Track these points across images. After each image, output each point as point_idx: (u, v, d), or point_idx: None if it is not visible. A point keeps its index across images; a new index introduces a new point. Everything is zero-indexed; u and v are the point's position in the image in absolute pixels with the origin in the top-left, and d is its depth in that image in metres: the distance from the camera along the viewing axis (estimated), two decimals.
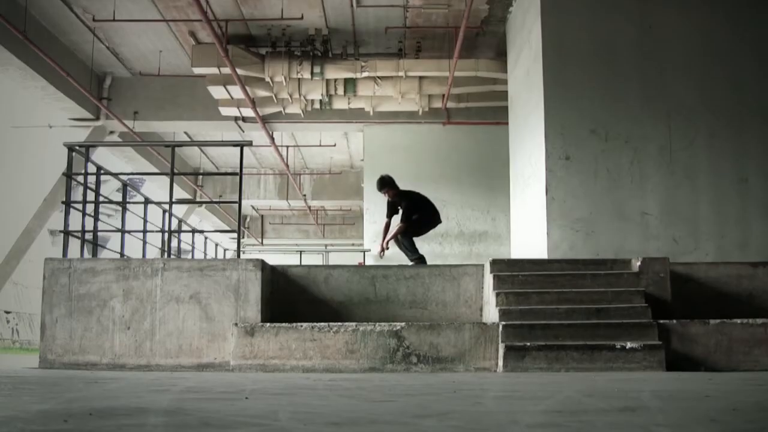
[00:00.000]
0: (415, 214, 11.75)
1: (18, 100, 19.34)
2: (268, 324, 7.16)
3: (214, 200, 28.32)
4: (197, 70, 16.88)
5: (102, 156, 24.64)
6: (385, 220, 12.18)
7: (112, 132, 19.95)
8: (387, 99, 17.57)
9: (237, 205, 9.11)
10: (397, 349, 6.98)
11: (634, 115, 10.95)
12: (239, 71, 16.15)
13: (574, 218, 10.71)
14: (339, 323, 7.24)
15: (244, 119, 19.41)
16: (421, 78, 17.01)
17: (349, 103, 17.81)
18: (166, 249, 11.70)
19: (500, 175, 15.71)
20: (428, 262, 12.48)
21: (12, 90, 18.18)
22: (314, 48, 16.36)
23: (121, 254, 10.26)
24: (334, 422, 2.08)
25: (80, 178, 9.69)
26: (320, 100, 17.77)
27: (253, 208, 33.77)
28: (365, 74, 16.38)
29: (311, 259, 35.15)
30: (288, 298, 8.13)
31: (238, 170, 9.27)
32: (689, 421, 2.11)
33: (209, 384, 4.09)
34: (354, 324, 7.22)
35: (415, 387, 3.84)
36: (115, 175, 11.13)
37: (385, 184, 12.01)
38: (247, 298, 7.44)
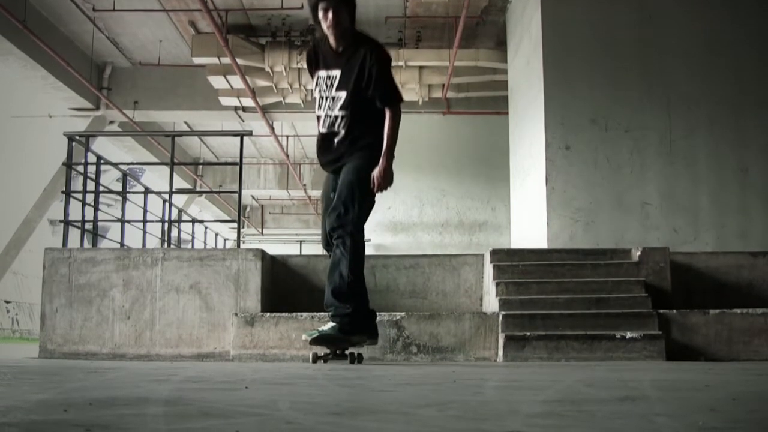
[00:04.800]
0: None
1: (18, 90, 19.35)
2: (268, 314, 7.17)
3: (214, 190, 28.34)
4: (197, 60, 16.88)
5: (102, 146, 24.65)
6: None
7: (112, 122, 19.97)
8: None
9: (237, 194, 9.10)
10: (397, 338, 6.98)
11: (634, 105, 10.94)
12: (239, 61, 16.14)
13: (574, 208, 10.71)
14: None
15: (244, 109, 19.41)
16: (421, 68, 17.00)
17: None
18: (166, 239, 11.70)
19: (500, 165, 15.70)
20: (428, 252, 12.28)
21: (12, 80, 18.19)
22: (314, 38, 16.35)
23: (121, 244, 10.26)
24: (335, 412, 2.08)
25: (80, 168, 9.69)
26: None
27: (253, 197, 33.79)
28: None
29: (311, 249, 35.21)
30: (288, 287, 8.13)
31: (238, 160, 9.26)
32: (689, 411, 2.11)
33: (209, 374, 4.09)
34: None
35: (415, 377, 3.84)
36: (115, 164, 11.13)
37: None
38: (247, 288, 7.44)
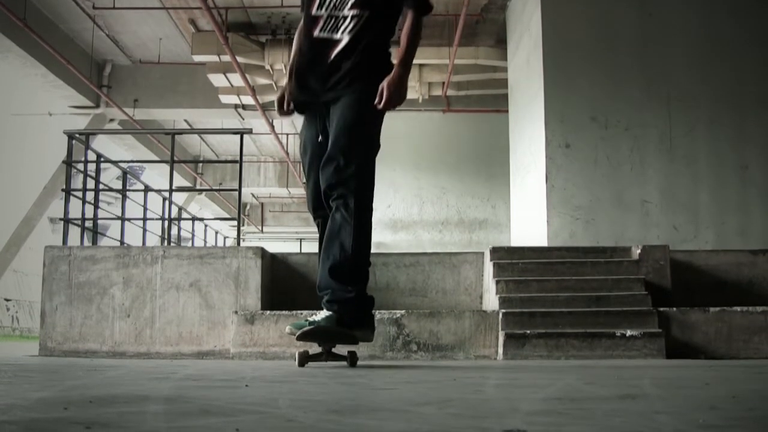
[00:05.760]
0: None
1: (18, 88, 19.38)
2: (268, 312, 7.17)
3: (214, 188, 28.34)
4: (197, 58, 16.88)
5: (102, 144, 24.68)
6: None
7: (112, 120, 19.97)
8: None
9: (237, 192, 9.11)
10: (397, 336, 6.98)
11: (634, 102, 10.94)
12: (239, 59, 16.14)
13: (574, 206, 10.70)
14: None
15: (244, 107, 19.41)
16: (420, 65, 16.98)
17: None
18: (166, 237, 11.71)
19: (500, 163, 15.69)
20: (428, 250, 12.21)
21: (12, 78, 18.20)
22: None
23: (121, 242, 10.27)
24: (335, 410, 2.08)
25: (80, 166, 9.69)
26: None
27: (253, 195, 33.78)
28: None
29: (311, 247, 35.20)
30: (288, 285, 8.14)
31: (238, 158, 9.26)
32: (689, 409, 2.11)
33: (209, 372, 4.09)
34: None
35: (415, 375, 3.84)
36: (115, 162, 11.13)
37: None
38: (247, 286, 7.44)
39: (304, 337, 4.40)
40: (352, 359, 4.61)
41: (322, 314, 4.46)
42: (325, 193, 4.49)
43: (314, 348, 4.66)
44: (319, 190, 4.55)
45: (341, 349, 4.69)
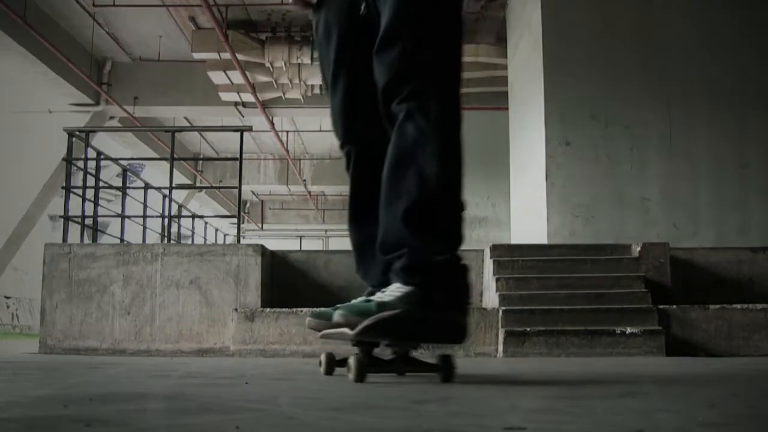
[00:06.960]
0: None
1: (18, 86, 19.34)
2: (267, 309, 7.17)
3: (214, 185, 28.33)
4: (197, 56, 16.89)
5: (102, 141, 24.65)
6: None
7: (112, 117, 19.98)
8: None
9: (237, 190, 9.10)
10: None
11: (634, 101, 10.93)
12: (239, 56, 16.14)
13: (574, 204, 10.70)
14: None
15: (244, 104, 19.43)
16: None
17: None
18: (166, 234, 11.70)
19: (500, 161, 15.67)
20: None
21: (12, 75, 18.17)
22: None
23: (121, 239, 10.27)
24: (335, 407, 2.08)
25: (80, 164, 9.68)
26: (320, 86, 17.75)
27: (253, 193, 33.78)
28: None
29: (311, 244, 35.22)
30: (288, 283, 8.13)
31: (238, 155, 9.26)
32: (689, 407, 2.11)
33: (209, 369, 4.09)
34: None
35: (415, 372, 3.83)
36: (115, 160, 11.14)
37: None
38: (247, 284, 7.43)
39: (372, 330, 2.52)
40: (447, 369, 2.76)
41: (393, 291, 2.62)
42: (386, 93, 2.78)
43: (328, 346, 3.37)
44: (352, 96, 3.01)
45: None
